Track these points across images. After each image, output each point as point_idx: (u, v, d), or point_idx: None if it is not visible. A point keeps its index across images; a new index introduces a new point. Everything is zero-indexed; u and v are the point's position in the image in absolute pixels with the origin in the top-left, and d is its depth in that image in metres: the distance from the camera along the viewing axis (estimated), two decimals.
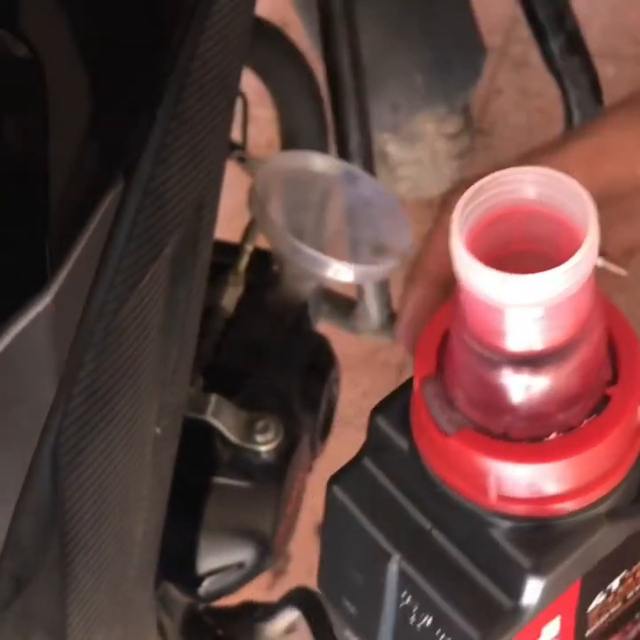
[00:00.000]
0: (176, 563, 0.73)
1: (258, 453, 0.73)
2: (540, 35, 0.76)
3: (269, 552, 0.74)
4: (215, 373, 0.75)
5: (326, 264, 0.76)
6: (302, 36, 1.11)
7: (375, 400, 1.51)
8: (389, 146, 1.22)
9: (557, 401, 0.35)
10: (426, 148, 1.22)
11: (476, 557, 0.37)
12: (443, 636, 0.37)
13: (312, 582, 1.32)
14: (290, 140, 0.94)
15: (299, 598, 0.79)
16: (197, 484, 0.72)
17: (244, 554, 0.74)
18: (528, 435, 0.36)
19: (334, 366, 0.86)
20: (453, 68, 1.12)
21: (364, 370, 1.42)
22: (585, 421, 0.36)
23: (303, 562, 1.37)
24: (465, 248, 0.33)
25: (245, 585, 0.76)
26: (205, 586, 0.74)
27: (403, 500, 0.39)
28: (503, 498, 0.36)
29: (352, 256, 0.82)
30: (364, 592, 0.40)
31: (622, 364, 0.36)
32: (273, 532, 0.74)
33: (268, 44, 0.89)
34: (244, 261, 0.80)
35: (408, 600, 0.38)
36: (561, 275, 0.32)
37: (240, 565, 0.74)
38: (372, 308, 1.02)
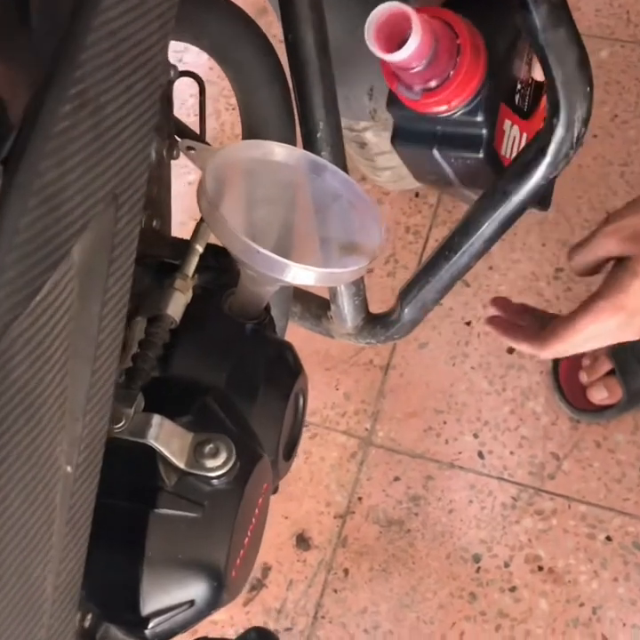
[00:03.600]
0: (118, 602, 0.66)
1: (207, 480, 0.65)
2: (519, 4, 0.67)
3: (223, 588, 0.66)
4: (159, 391, 0.67)
5: (284, 267, 0.68)
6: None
7: (358, 403, 1.41)
8: (368, 134, 1.14)
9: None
10: None
11: None
12: None
13: (292, 596, 1.24)
14: (252, 130, 0.86)
15: (256, 639, 0.71)
16: (139, 514, 0.64)
17: (194, 591, 0.66)
18: None
19: (300, 375, 0.78)
20: None
21: (346, 371, 1.35)
22: None
23: (282, 574, 1.30)
24: None
25: (197, 624, 0.69)
26: (152, 627, 0.66)
27: None
28: None
29: (318, 255, 0.75)
30: None
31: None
32: (226, 565, 0.66)
33: (222, 21, 0.80)
34: (192, 264, 0.72)
35: None
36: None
37: (190, 603, 0.66)
38: (346, 311, 0.94)
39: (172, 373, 0.70)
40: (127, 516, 0.64)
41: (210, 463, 0.64)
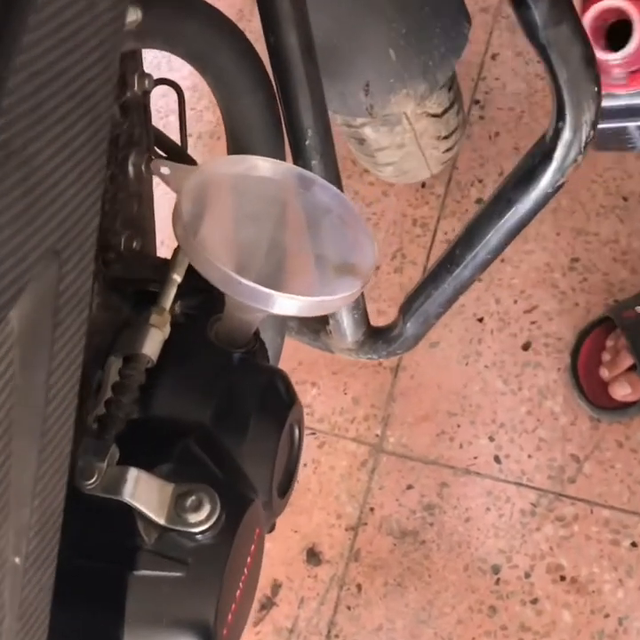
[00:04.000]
0: None
1: (191, 535, 0.60)
2: (515, 0, 0.61)
3: None
4: (135, 437, 0.62)
5: (269, 297, 0.62)
6: None
7: (368, 407, 1.34)
8: (366, 130, 1.08)
9: None
10: (406, 131, 1.08)
11: None
12: None
13: (304, 614, 1.20)
14: (237, 140, 0.80)
15: None
16: (117, 577, 0.59)
17: None
18: None
19: (294, 405, 0.73)
20: (432, 39, 0.97)
21: (354, 374, 1.29)
22: None
23: (293, 591, 1.25)
24: None
25: None
26: None
27: None
28: None
29: (314, 276, 0.69)
30: None
31: None
32: (216, 625, 0.61)
33: (198, 25, 0.74)
34: (170, 296, 0.67)
35: None
36: None
37: None
38: (345, 325, 0.88)
39: (152, 413, 0.65)
40: (104, 578, 0.59)
41: (192, 518, 0.59)
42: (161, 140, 0.83)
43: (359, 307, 0.88)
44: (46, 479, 0.44)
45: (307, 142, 0.78)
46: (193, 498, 0.60)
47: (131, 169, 0.78)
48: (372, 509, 1.20)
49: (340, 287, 0.67)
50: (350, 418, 1.26)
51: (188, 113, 1.54)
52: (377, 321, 1.34)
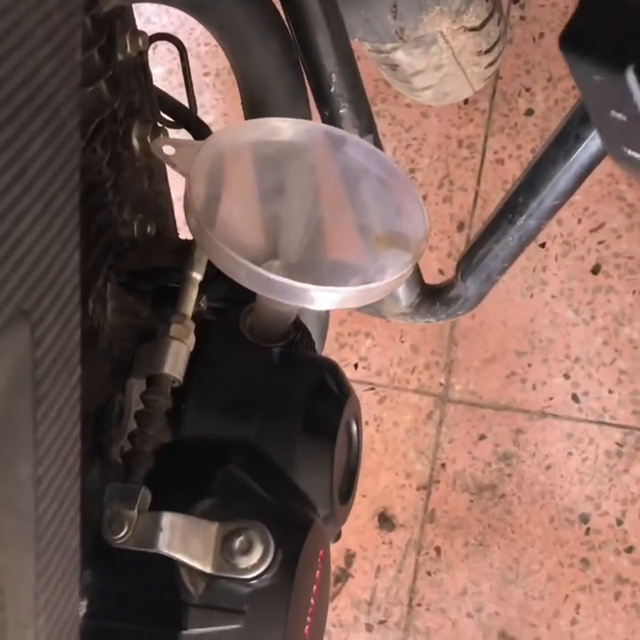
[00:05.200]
0: None
1: (244, 581, 0.51)
2: None
3: None
4: (166, 474, 0.54)
5: (305, 294, 0.53)
6: None
7: (428, 355, 1.20)
8: (398, 55, 0.96)
9: None
10: (443, 51, 0.96)
11: None
12: None
13: (382, 584, 1.12)
14: (253, 98, 0.70)
15: None
16: (166, 637, 0.51)
17: None
18: None
19: (348, 399, 0.63)
20: None
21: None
22: None
23: (367, 560, 1.18)
24: None
25: None
26: None
27: None
28: None
29: (354, 257, 0.59)
30: None
31: None
32: None
33: None
34: (191, 300, 0.57)
35: None
36: None
37: None
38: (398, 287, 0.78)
39: (184, 437, 0.56)
40: None
41: (243, 563, 0.51)
42: (166, 103, 0.73)
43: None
44: (50, 590, 0.35)
45: (331, 89, 0.67)
46: (241, 539, 0.51)
47: (135, 143, 0.68)
48: (443, 465, 1.12)
49: (389, 265, 0.57)
50: (410, 368, 1.17)
51: (202, 51, 1.43)
52: (429, 260, 1.24)
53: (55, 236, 0.34)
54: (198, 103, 1.29)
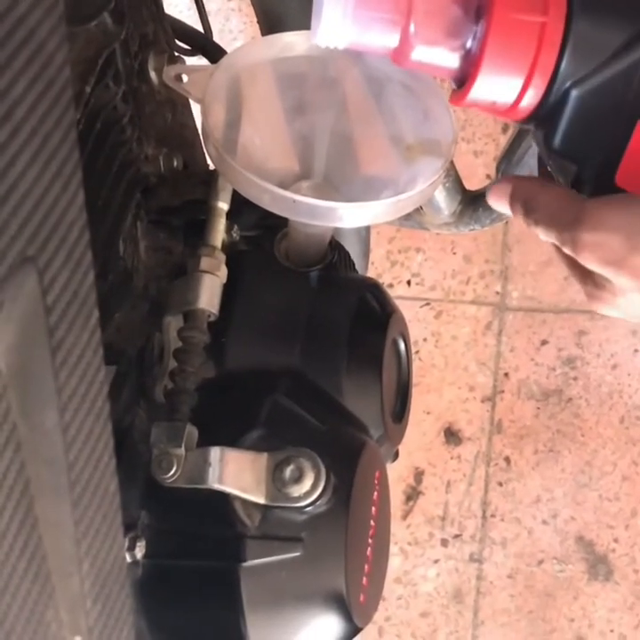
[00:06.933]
0: None
1: (299, 509, 0.51)
2: None
3: (352, 621, 0.53)
4: (212, 409, 0.53)
5: (334, 213, 0.51)
6: None
7: (482, 264, 1.16)
8: None
9: None
10: None
11: None
12: None
13: (454, 499, 1.11)
14: (267, 17, 0.67)
15: None
16: (227, 574, 0.50)
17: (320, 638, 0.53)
18: None
19: (392, 316, 0.62)
20: None
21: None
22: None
23: (437, 476, 1.17)
24: None
25: None
26: None
27: None
28: None
29: (388, 168, 0.57)
30: None
31: None
32: (349, 597, 0.52)
33: None
34: (219, 230, 0.56)
35: None
36: None
37: None
38: (437, 197, 0.76)
39: (227, 370, 0.55)
40: (214, 578, 0.51)
41: (295, 491, 0.50)
42: (180, 31, 0.70)
43: (449, 173, 0.75)
44: (91, 536, 0.35)
45: None
46: (291, 467, 0.50)
47: (153, 75, 0.66)
48: (506, 374, 1.10)
49: (420, 173, 0.55)
50: (465, 279, 1.14)
51: None
52: (476, 167, 1.20)
53: (54, 176, 0.33)
54: (225, 29, 1.27)
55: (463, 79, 0.43)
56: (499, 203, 0.50)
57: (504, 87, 0.42)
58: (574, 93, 0.41)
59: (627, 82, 0.40)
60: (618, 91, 0.40)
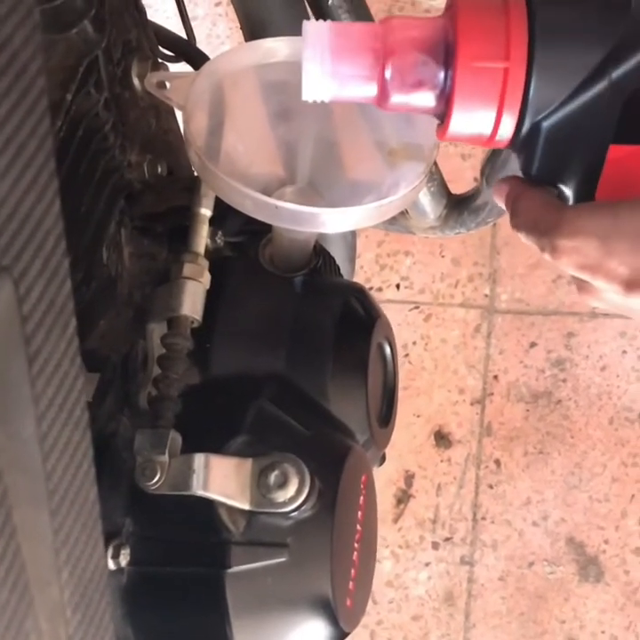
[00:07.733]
0: None
1: (284, 514, 0.51)
2: None
3: (339, 626, 0.53)
4: (196, 415, 0.53)
5: (316, 219, 0.51)
6: None
7: (471, 266, 1.16)
8: None
9: None
10: None
11: None
12: None
13: (444, 502, 1.11)
14: (250, 19, 0.67)
15: None
16: (212, 580, 0.50)
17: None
18: None
19: (377, 321, 0.62)
20: None
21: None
22: None
23: (427, 479, 1.17)
24: None
25: None
26: None
27: None
28: None
29: (373, 174, 0.57)
30: None
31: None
32: (336, 602, 0.52)
33: None
34: (202, 236, 0.56)
35: None
36: None
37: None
38: (422, 201, 0.76)
39: (212, 376, 0.55)
40: (199, 585, 0.50)
41: (280, 496, 0.50)
42: (163, 37, 0.70)
43: (434, 177, 0.75)
44: (70, 545, 0.35)
45: (329, 2, 0.64)
46: (276, 473, 0.50)
47: (136, 82, 0.66)
48: (495, 377, 1.10)
49: (403, 178, 0.55)
50: (453, 282, 1.15)
51: None
52: (464, 170, 1.20)
53: (30, 185, 0.33)
54: (213, 34, 1.27)
55: (442, 116, 0.45)
56: (500, 202, 0.51)
57: (478, 124, 0.44)
58: (545, 125, 0.43)
59: (594, 111, 0.42)
60: (586, 120, 0.42)
